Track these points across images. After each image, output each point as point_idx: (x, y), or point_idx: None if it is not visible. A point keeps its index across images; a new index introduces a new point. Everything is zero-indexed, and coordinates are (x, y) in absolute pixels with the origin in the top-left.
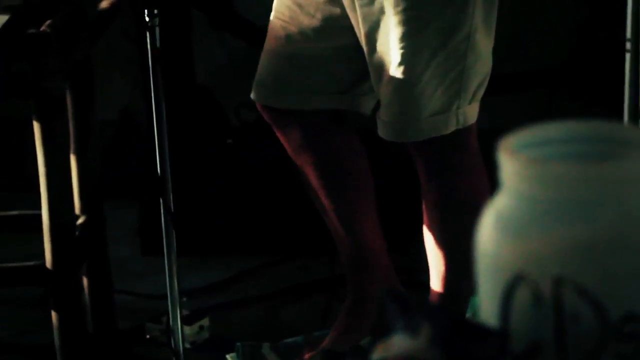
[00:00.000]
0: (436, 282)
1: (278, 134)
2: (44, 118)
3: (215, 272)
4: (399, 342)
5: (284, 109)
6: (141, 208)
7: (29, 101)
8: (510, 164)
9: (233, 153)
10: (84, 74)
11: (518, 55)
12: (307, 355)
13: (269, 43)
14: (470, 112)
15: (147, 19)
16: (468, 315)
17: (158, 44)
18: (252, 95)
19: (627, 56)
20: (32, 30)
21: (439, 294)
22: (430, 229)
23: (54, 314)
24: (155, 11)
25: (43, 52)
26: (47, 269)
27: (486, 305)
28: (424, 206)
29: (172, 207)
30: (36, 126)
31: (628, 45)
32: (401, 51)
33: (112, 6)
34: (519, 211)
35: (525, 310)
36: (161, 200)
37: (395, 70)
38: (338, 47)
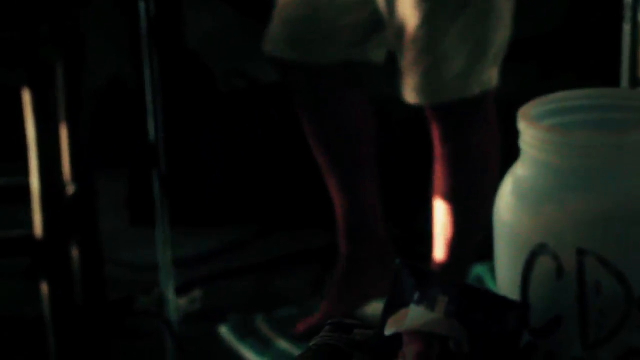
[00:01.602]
0: (440, 249)
1: (289, 89)
2: (34, 86)
3: (206, 243)
4: (413, 315)
5: (296, 61)
6: (130, 177)
7: (19, 69)
8: (529, 132)
9: (224, 121)
10: (74, 41)
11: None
12: (301, 326)
13: None
14: (493, 75)
15: None
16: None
17: (153, 12)
18: (264, 47)
19: (625, 24)
20: None
21: (442, 261)
22: (442, 192)
23: (43, 285)
24: None
25: (34, 19)
26: (36, 238)
27: (503, 275)
28: (436, 169)
29: (165, 175)
30: (26, 94)
31: (625, 12)
32: (422, 13)
33: None
34: (538, 180)
35: (545, 282)
36: (154, 169)
37: (416, 32)
38: (348, 1)
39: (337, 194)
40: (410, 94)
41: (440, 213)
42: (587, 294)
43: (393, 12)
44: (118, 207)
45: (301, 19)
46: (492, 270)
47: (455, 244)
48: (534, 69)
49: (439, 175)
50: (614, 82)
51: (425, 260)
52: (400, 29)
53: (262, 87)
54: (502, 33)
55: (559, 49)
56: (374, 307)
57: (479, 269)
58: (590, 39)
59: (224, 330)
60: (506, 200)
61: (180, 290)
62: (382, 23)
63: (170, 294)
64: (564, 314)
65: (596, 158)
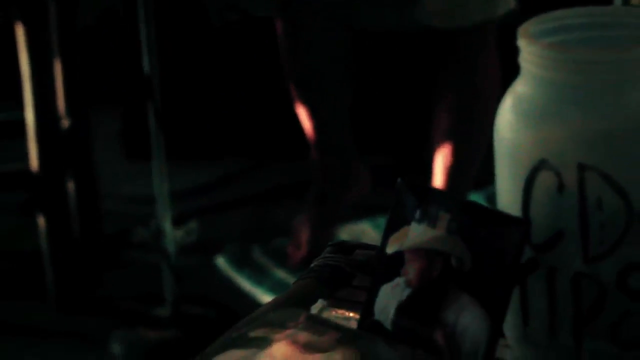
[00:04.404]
0: (439, 176)
1: (280, 24)
2: (27, 21)
3: (202, 175)
4: (415, 232)
5: None
6: (124, 111)
7: (11, 7)
8: (529, 49)
9: (218, 54)
10: None
11: None
12: (297, 254)
13: None
14: None
15: None
16: None
17: None
18: None
19: None
20: None
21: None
22: (444, 121)
23: (39, 219)
24: None
25: None
26: (32, 172)
27: (504, 193)
28: (440, 95)
29: (160, 108)
30: (19, 31)
31: None
32: None
33: None
34: (538, 97)
35: (547, 198)
36: (149, 102)
37: None
38: None
39: (308, 111)
40: (436, 19)
41: (442, 141)
42: (588, 209)
43: None
44: (113, 141)
45: None
46: (487, 199)
47: (455, 172)
48: None
49: (442, 102)
50: None
51: None
52: None
53: (254, 21)
54: None
55: None
56: (350, 231)
57: (474, 197)
58: None
59: (221, 261)
60: (506, 118)
61: (176, 222)
62: None
63: (167, 226)
64: (565, 230)
65: (597, 74)
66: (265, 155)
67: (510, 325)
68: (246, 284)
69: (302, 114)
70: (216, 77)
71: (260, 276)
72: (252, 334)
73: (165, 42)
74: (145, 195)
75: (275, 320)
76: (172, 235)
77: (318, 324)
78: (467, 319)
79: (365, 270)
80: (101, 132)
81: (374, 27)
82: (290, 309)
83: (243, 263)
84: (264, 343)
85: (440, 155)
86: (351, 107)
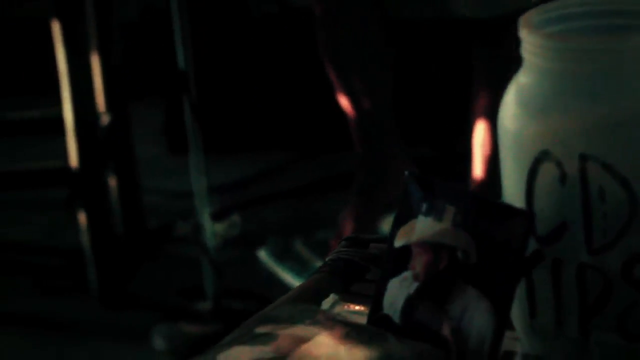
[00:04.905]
0: (478, 167)
1: (318, 13)
2: (62, 17)
3: (244, 168)
4: (421, 226)
5: None
6: (166, 106)
7: (46, 1)
8: (530, 39)
9: (258, 46)
10: None
11: None
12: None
13: None
14: None
15: None
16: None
17: None
18: None
19: None
20: None
21: (480, 180)
22: (481, 110)
23: (81, 215)
24: None
25: None
26: (72, 169)
27: (509, 185)
28: (476, 86)
29: (196, 101)
30: (55, 25)
31: None
32: None
33: None
34: (540, 87)
35: (550, 189)
36: (185, 96)
37: None
38: None
39: (350, 101)
40: (467, 8)
41: (479, 131)
42: (591, 200)
43: None
44: (157, 136)
45: None
46: None
47: (494, 162)
48: None
49: (478, 92)
50: None
51: (464, 180)
52: None
53: (294, 11)
54: None
55: None
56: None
57: None
58: None
59: (263, 254)
60: (509, 109)
61: (219, 216)
62: None
63: (205, 220)
64: (569, 221)
65: (598, 63)
66: (305, 147)
67: (517, 317)
68: (288, 277)
69: (344, 104)
70: (256, 69)
71: (302, 269)
72: (258, 330)
73: (204, 36)
74: (188, 189)
75: (282, 316)
76: (211, 229)
77: (327, 320)
78: (473, 312)
79: (379, 264)
80: (146, 127)
81: (408, 16)
82: (298, 305)
83: (285, 256)
84: (269, 339)
85: (478, 145)
86: (393, 99)
